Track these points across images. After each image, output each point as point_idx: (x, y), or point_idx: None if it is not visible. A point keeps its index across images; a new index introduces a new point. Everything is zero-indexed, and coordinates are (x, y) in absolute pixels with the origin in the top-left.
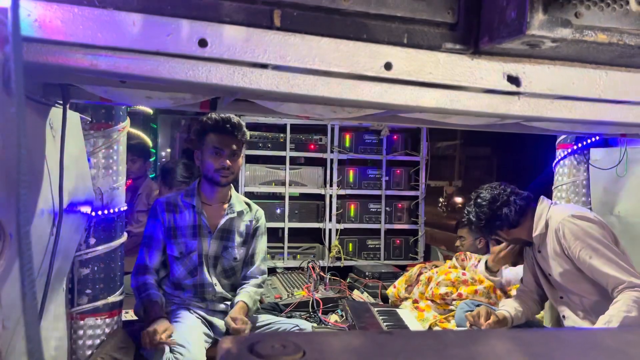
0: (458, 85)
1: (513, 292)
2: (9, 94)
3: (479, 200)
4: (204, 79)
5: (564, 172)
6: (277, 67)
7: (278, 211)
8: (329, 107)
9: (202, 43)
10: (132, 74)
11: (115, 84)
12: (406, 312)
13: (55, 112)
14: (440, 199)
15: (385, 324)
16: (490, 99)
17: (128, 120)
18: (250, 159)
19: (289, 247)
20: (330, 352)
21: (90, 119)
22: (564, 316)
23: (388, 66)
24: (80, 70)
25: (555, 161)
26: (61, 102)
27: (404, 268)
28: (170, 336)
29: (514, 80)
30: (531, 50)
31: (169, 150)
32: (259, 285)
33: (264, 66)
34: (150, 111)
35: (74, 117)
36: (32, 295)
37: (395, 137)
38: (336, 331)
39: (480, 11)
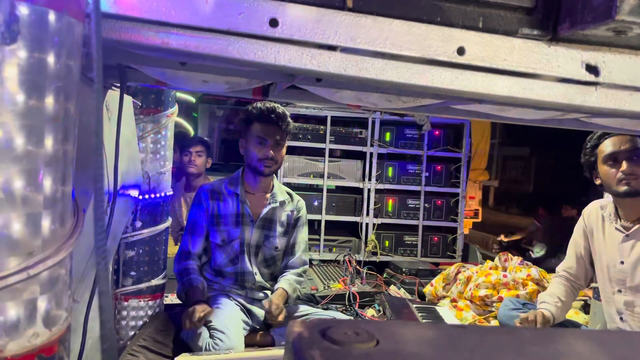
0: (532, 73)
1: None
2: (86, 73)
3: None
4: (272, 60)
5: None
6: (346, 50)
7: (315, 203)
8: (384, 96)
9: (273, 23)
10: (201, 53)
11: (175, 66)
12: (445, 310)
13: (111, 94)
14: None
15: (424, 321)
16: (566, 89)
17: (176, 107)
18: (289, 150)
19: (325, 240)
20: (403, 342)
21: (140, 104)
22: (621, 318)
23: (461, 51)
24: (152, 48)
25: None
26: (117, 84)
27: (438, 266)
28: (208, 316)
29: (592, 69)
30: (613, 38)
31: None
32: (300, 275)
33: (332, 48)
34: (193, 100)
35: (126, 100)
36: (105, 268)
37: (436, 132)
38: (407, 322)
39: None
